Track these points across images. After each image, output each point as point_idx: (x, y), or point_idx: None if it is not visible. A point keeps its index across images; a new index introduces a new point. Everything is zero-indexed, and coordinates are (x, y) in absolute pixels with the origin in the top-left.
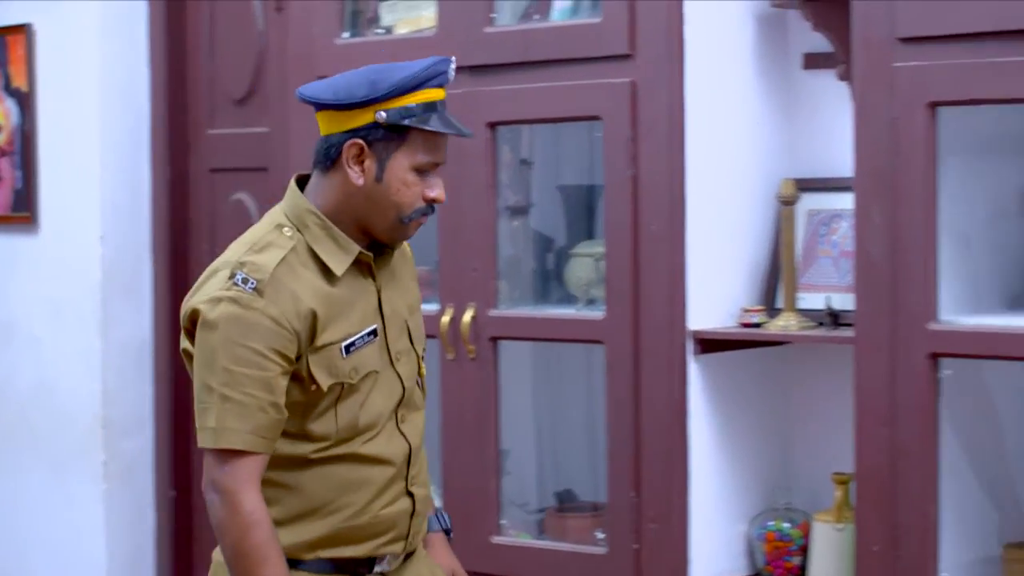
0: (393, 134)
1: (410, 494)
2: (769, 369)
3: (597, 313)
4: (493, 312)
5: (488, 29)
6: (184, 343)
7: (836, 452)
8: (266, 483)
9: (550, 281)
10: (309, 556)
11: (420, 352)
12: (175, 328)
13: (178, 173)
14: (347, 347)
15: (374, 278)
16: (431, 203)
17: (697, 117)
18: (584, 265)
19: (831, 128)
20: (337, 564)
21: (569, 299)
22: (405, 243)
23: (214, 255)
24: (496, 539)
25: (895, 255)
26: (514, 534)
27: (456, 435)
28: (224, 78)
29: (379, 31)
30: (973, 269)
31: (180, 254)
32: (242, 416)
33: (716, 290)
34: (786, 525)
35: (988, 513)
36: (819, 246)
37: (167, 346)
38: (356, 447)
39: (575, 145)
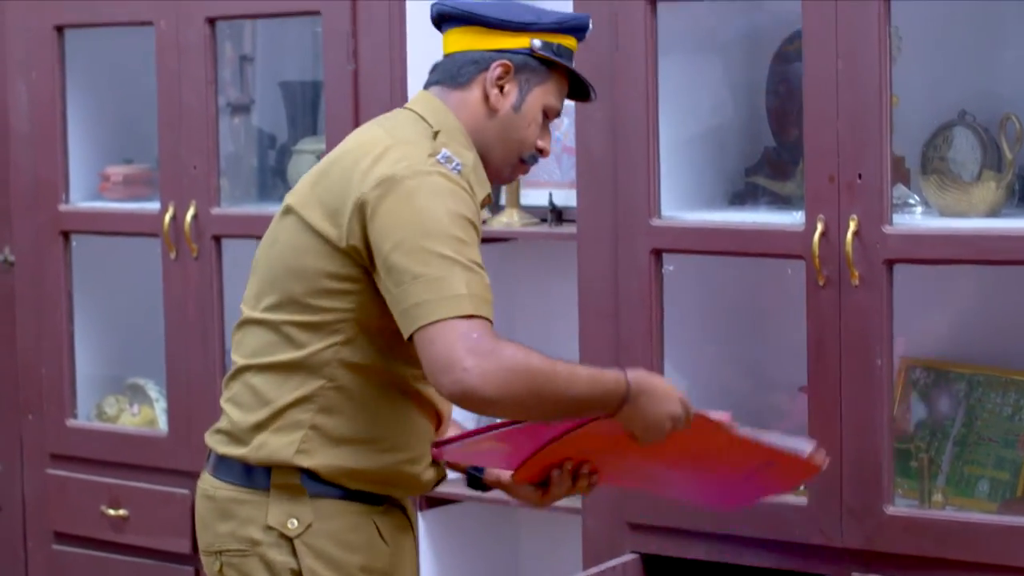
0: (540, 68)
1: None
2: (493, 266)
3: None
4: (215, 210)
5: None
6: (348, 238)
7: (561, 347)
8: (348, 394)
9: (272, 178)
10: (352, 485)
11: None
12: None
13: None
14: None
15: None
16: (538, 153)
17: (418, 11)
18: (306, 162)
19: None
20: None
21: None
22: None
23: None
24: None
25: (616, 151)
26: None
27: (179, 334)
28: None
29: None
30: (696, 166)
31: None
32: (483, 286)
33: None
34: None
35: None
36: None
37: None
38: (433, 396)
39: (296, 41)
